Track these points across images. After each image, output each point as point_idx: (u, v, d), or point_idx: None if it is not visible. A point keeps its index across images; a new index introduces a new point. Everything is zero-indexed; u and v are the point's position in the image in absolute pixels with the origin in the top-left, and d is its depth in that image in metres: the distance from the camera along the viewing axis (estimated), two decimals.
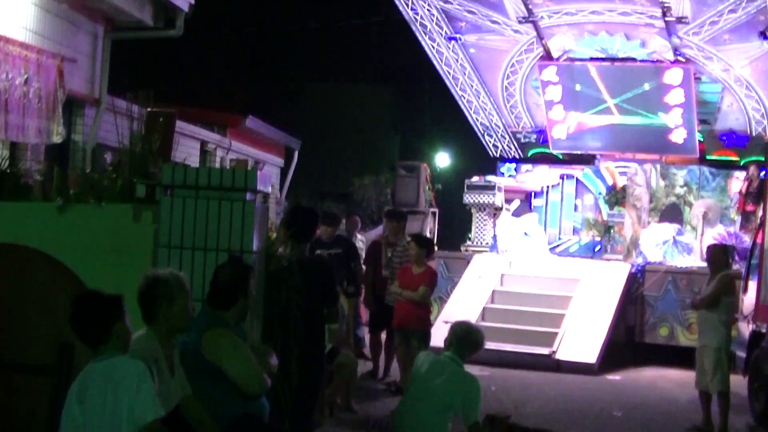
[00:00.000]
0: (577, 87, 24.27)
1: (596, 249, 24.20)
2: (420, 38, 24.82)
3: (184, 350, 6.92)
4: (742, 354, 15.01)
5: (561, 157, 25.82)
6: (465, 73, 25.41)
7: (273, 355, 7.76)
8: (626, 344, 20.31)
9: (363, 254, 17.71)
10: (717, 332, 13.78)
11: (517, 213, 24.62)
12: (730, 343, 14.06)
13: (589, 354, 18.60)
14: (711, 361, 13.70)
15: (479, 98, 25.96)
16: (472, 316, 18.13)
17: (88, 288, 6.88)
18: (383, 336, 16.43)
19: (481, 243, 24.01)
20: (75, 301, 6.10)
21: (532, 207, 25.83)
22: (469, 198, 24.35)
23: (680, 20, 21.89)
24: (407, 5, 23.93)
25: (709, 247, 15.23)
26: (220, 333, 7.06)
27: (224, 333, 7.08)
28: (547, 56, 24.31)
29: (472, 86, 25.69)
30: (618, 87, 23.99)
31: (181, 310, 6.59)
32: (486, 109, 26.17)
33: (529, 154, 26.43)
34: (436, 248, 18.58)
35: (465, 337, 9.42)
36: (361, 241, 19.75)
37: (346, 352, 13.24)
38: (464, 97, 26.07)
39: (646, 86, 23.72)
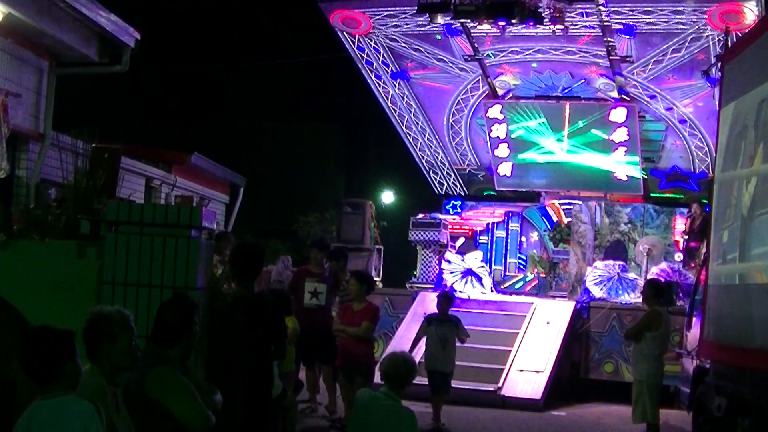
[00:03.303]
0: (531, 124, 24.46)
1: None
2: (366, 76, 24.86)
3: (128, 388, 6.80)
4: (686, 390, 15.07)
5: (510, 195, 25.96)
6: (411, 111, 25.48)
7: (217, 393, 7.67)
8: (571, 380, 20.37)
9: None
10: (641, 365, 14.58)
11: (462, 250, 24.65)
12: (657, 377, 14.60)
13: (535, 390, 18.64)
14: (634, 393, 14.49)
15: (425, 136, 26.06)
16: (417, 354, 18.08)
17: (30, 324, 6.76)
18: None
19: (427, 280, 24.00)
20: (26, 337, 5.86)
21: (478, 244, 25.89)
22: (414, 235, 24.38)
23: (624, 59, 22.12)
24: (353, 43, 23.93)
25: (644, 283, 16.20)
26: (165, 371, 6.95)
27: (169, 371, 6.97)
28: (493, 94, 24.46)
29: (417, 124, 25.78)
30: (562, 125, 24.19)
31: (124, 349, 6.41)
32: (431, 147, 26.27)
33: (472, 191, 26.64)
34: (380, 285, 18.51)
35: (392, 370, 9.31)
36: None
37: (291, 396, 13.15)
38: (410, 135, 26.15)
39: (591, 124, 23.95)
